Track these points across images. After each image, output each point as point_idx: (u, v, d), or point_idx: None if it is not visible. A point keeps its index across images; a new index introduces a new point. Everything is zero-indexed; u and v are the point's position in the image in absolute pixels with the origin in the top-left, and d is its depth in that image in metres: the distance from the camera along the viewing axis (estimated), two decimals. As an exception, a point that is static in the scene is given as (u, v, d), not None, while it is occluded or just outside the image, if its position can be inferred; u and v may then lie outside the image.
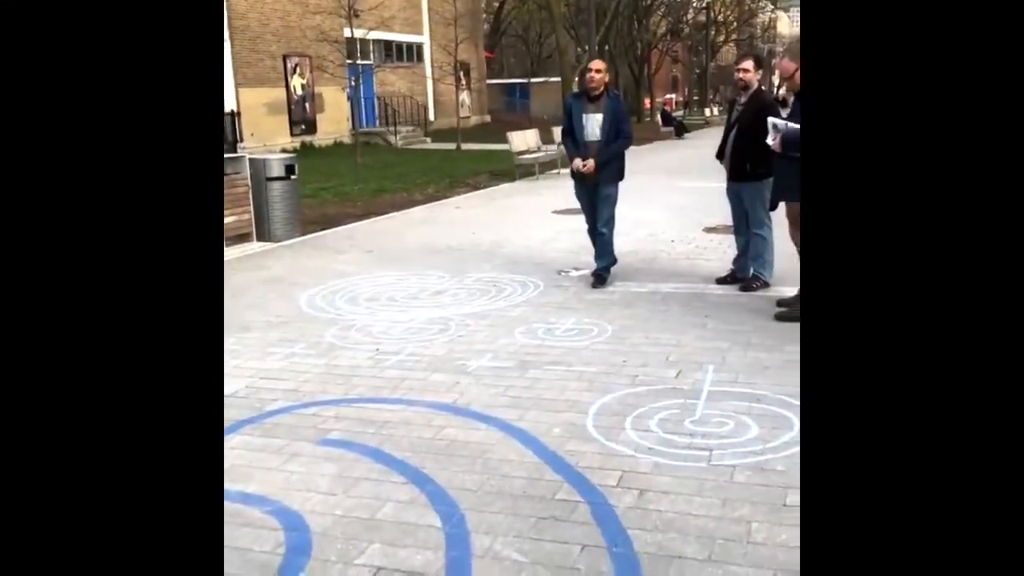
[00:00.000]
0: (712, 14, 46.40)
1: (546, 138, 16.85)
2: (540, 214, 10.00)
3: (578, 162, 5.88)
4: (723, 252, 6.93)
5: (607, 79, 5.98)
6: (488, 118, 32.84)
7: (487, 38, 36.82)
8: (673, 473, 2.98)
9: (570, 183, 6.39)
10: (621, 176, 6.06)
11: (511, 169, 14.79)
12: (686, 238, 7.98)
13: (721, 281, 5.99)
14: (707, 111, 42.61)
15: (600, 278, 6.12)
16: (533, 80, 40.87)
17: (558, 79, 31.55)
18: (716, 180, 6.93)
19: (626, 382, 3.98)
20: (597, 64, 5.99)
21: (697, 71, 55.49)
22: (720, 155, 5.91)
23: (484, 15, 37.74)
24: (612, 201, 6.05)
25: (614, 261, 6.23)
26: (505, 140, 15.87)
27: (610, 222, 6.09)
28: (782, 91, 5.45)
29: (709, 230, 8.29)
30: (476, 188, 13.26)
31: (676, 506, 2.73)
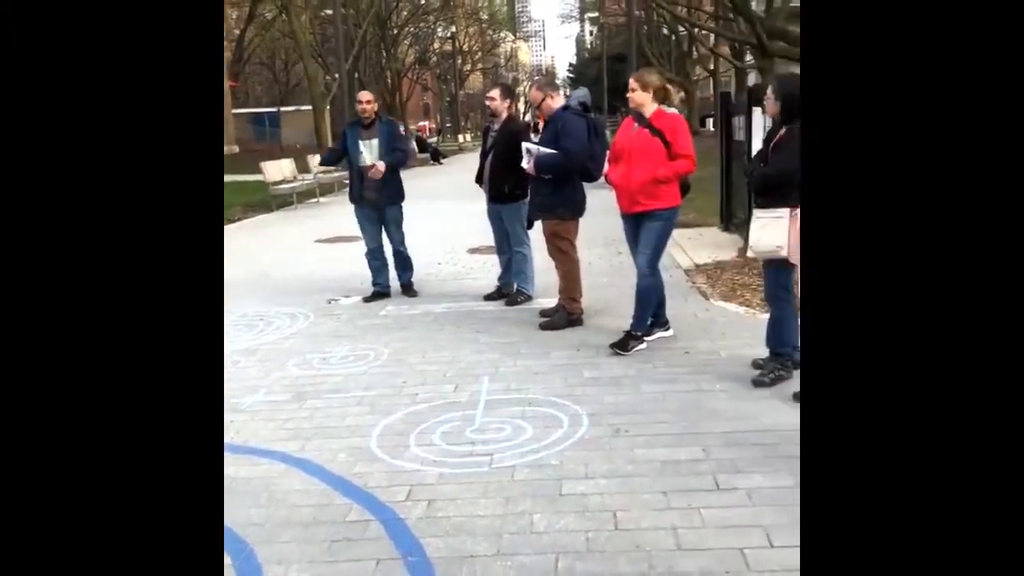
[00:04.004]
0: (457, 44, 48.14)
1: (302, 167, 16.56)
2: (303, 244, 9.83)
3: (379, 165, 6.13)
4: (488, 270, 7.27)
5: (376, 107, 6.43)
6: (236, 148, 31.44)
7: (230, 66, 35.35)
8: (458, 480, 3.12)
9: (332, 211, 6.45)
10: (402, 196, 6.48)
11: (267, 200, 14.35)
12: (452, 259, 8.26)
13: (488, 298, 6.31)
14: (460, 137, 44.00)
15: (381, 295, 6.55)
16: (283, 108, 39.89)
17: (309, 107, 31.10)
18: (475, 203, 7.27)
19: (407, 401, 4.08)
20: (366, 95, 6.48)
21: (448, 98, 57.22)
22: (479, 179, 6.24)
23: (226, 42, 36.22)
24: (400, 219, 6.50)
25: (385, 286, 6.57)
26: (258, 170, 15.39)
27: (403, 240, 6.56)
28: (527, 117, 5.89)
29: (473, 251, 8.64)
30: (231, 221, 12.69)
31: (463, 510, 2.88)
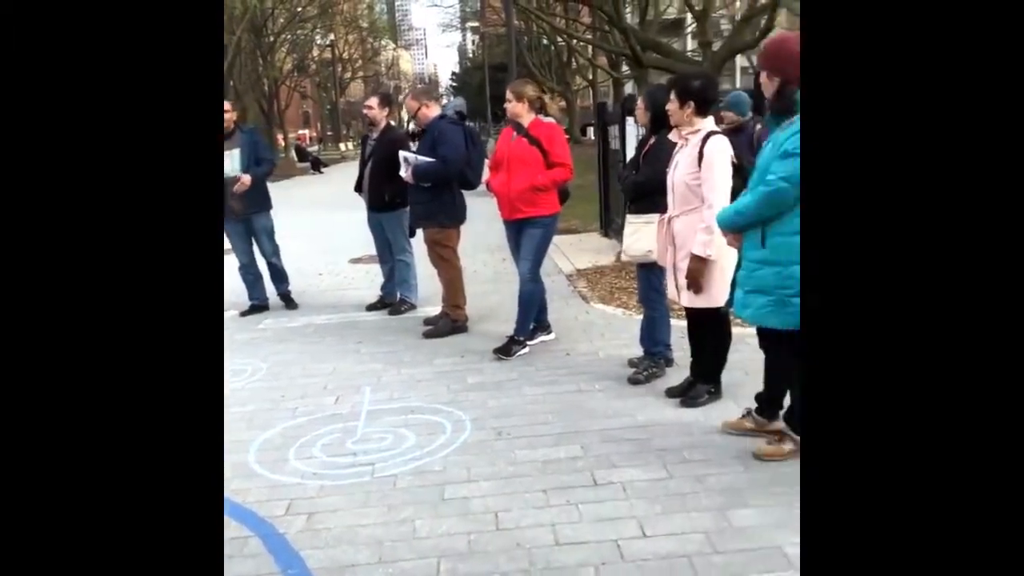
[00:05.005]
0: (336, 52, 47.37)
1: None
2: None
3: (245, 179, 5.94)
4: (370, 280, 7.21)
5: (235, 116, 6.21)
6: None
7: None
8: (339, 492, 3.09)
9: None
10: (269, 204, 6.29)
11: (138, 212, 13.70)
12: (333, 270, 8.14)
13: (371, 307, 6.26)
14: (342, 146, 43.31)
15: (259, 309, 6.41)
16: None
17: (183, 116, 29.92)
18: (356, 212, 7.20)
19: (286, 415, 4.00)
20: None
21: (328, 107, 56.22)
22: (359, 188, 6.19)
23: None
24: (270, 229, 6.33)
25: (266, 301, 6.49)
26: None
27: (276, 251, 6.40)
28: (411, 126, 5.89)
29: (355, 261, 8.54)
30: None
31: (345, 520, 2.86)
